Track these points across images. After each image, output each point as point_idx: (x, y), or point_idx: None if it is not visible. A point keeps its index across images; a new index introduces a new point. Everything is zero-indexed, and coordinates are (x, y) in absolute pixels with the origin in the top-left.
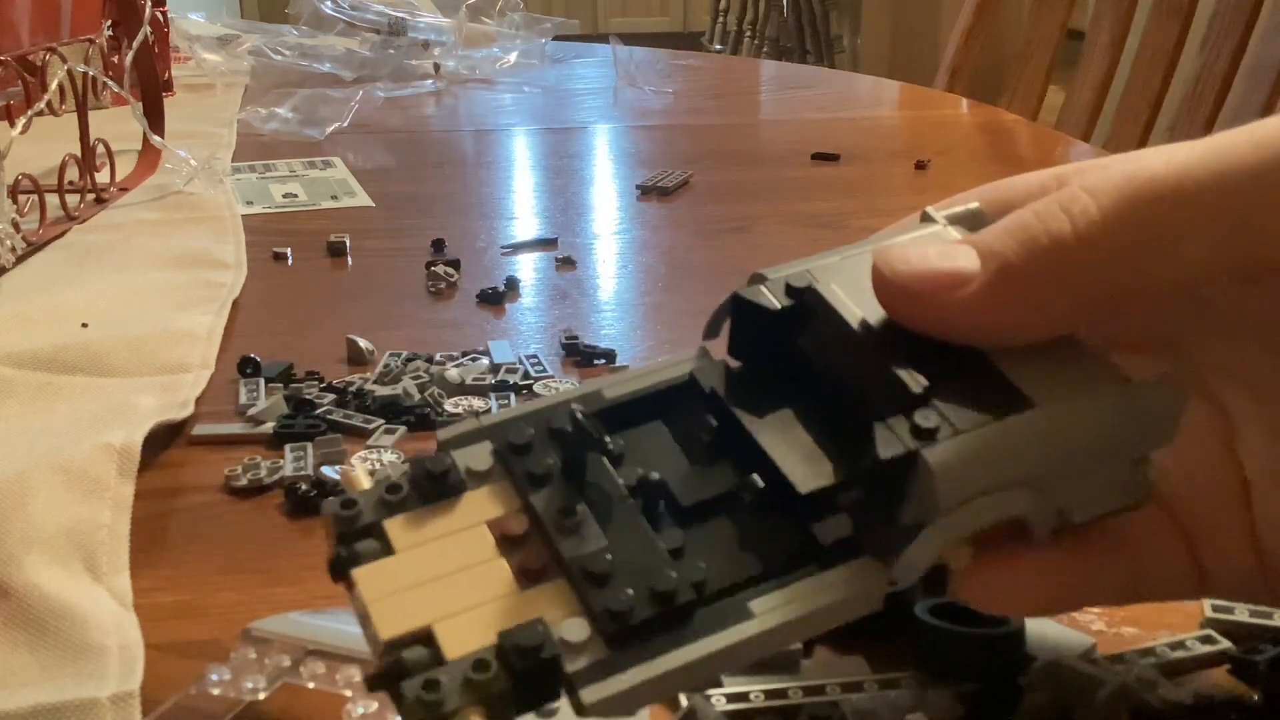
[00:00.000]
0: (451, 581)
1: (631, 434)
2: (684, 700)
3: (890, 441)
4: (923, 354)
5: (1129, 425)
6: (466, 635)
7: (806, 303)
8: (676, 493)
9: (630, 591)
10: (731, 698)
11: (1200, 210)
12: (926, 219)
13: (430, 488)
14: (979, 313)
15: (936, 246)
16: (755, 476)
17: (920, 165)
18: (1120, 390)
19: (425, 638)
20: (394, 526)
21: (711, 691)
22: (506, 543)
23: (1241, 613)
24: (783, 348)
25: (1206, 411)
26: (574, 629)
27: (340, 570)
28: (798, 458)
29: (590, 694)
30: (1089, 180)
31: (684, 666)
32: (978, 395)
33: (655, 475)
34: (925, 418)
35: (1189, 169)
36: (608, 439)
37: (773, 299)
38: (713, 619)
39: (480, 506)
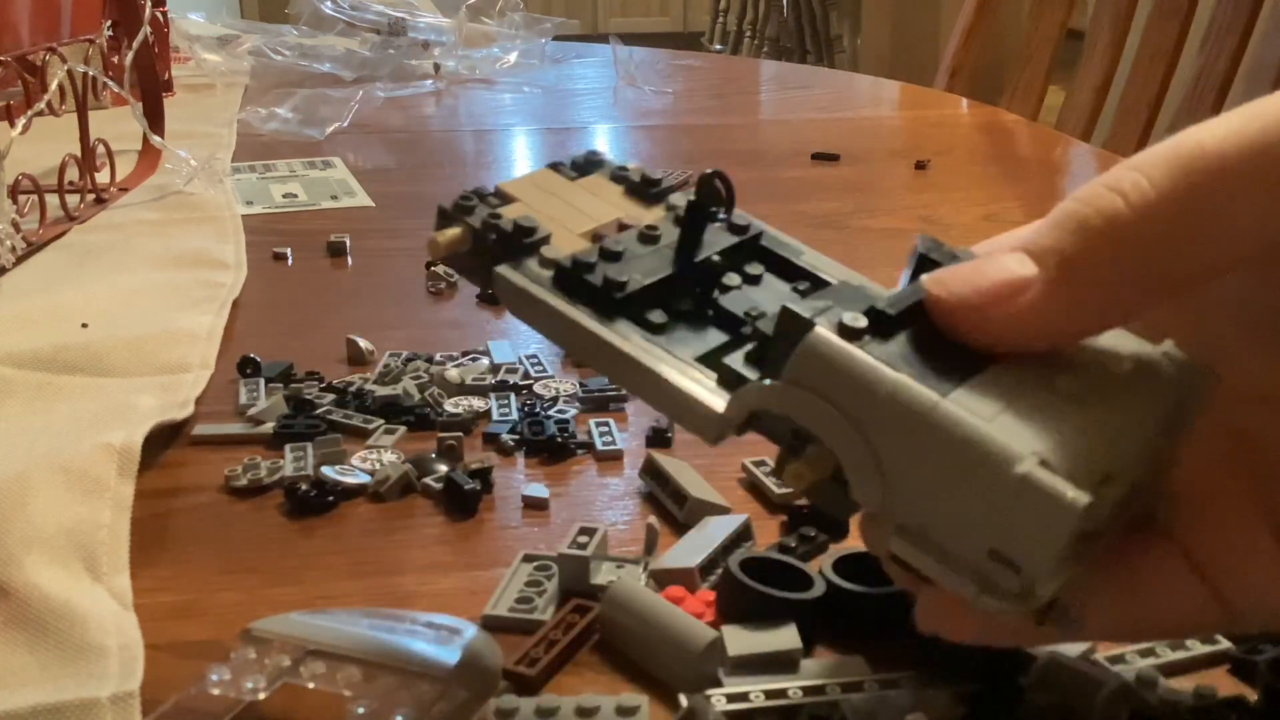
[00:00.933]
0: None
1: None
2: (683, 700)
3: (809, 310)
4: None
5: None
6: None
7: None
8: (720, 298)
9: (596, 264)
10: (731, 698)
11: (1251, 177)
12: None
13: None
14: (1047, 314)
15: (986, 260)
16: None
17: (920, 165)
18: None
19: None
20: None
21: (711, 692)
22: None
23: None
24: None
25: (1225, 434)
26: (558, 253)
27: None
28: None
29: (504, 270)
30: (1132, 160)
31: (563, 316)
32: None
33: (717, 258)
34: (855, 320)
35: (1232, 138)
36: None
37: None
38: (619, 328)
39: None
